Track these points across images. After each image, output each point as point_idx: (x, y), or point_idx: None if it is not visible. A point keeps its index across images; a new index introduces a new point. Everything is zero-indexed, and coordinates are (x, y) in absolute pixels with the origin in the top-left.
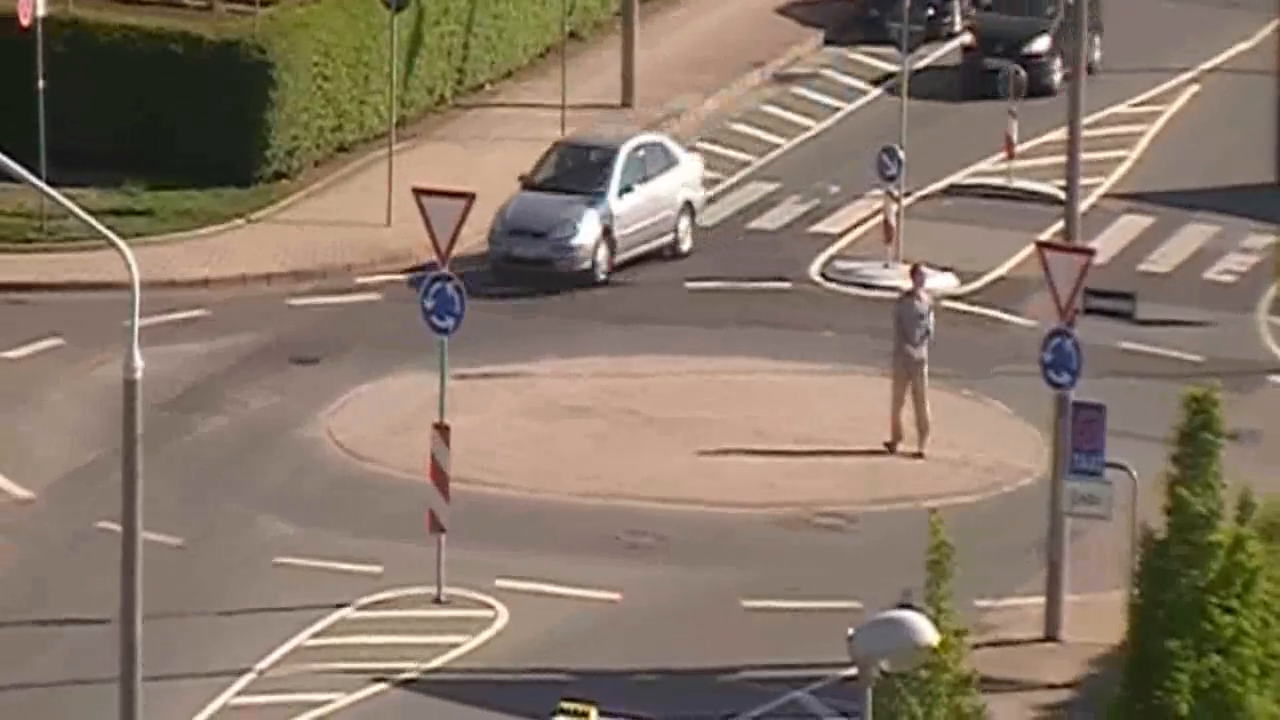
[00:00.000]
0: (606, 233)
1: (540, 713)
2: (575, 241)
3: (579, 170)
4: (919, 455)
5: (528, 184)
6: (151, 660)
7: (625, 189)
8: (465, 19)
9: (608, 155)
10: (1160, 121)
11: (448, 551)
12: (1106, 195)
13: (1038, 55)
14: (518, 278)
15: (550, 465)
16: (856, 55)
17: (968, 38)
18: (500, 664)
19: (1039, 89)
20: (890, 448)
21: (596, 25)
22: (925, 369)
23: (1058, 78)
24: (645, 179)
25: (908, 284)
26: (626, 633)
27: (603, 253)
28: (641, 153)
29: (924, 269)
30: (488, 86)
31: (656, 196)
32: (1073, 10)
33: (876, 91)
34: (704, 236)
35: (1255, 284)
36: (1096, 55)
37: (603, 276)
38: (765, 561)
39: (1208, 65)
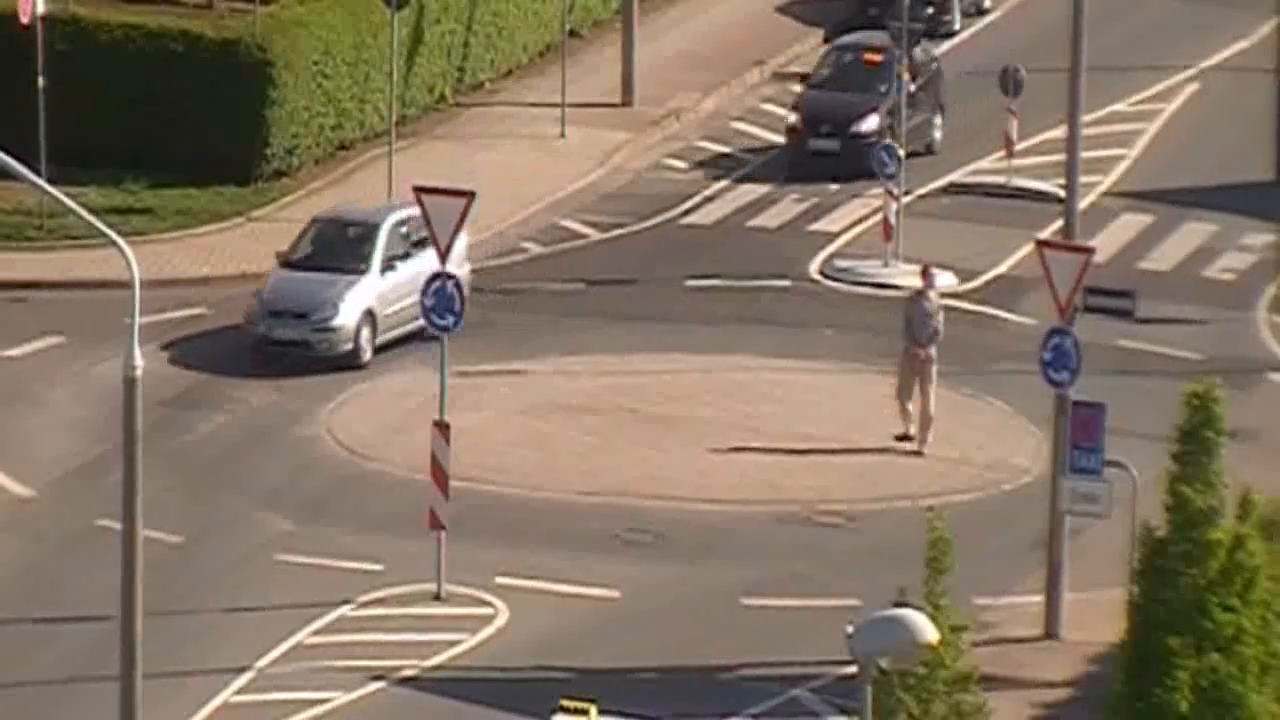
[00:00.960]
0: (369, 313)
1: (540, 710)
2: (336, 323)
3: (339, 247)
4: (918, 453)
5: (285, 262)
6: (151, 658)
7: (388, 266)
8: (465, 17)
9: (369, 231)
10: (1160, 120)
11: (448, 549)
12: (1106, 193)
13: (865, 136)
14: (278, 359)
15: (550, 463)
16: None
17: (793, 118)
18: (500, 662)
19: (866, 171)
20: (905, 439)
21: (596, 24)
22: (934, 368)
23: (886, 157)
24: (409, 254)
25: (919, 283)
26: (626, 630)
27: (366, 334)
28: (404, 228)
29: (934, 269)
30: (488, 85)
31: (422, 272)
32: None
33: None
34: (704, 234)
35: (1254, 282)
36: (937, 135)
37: (366, 358)
38: (765, 559)
39: (1207, 63)
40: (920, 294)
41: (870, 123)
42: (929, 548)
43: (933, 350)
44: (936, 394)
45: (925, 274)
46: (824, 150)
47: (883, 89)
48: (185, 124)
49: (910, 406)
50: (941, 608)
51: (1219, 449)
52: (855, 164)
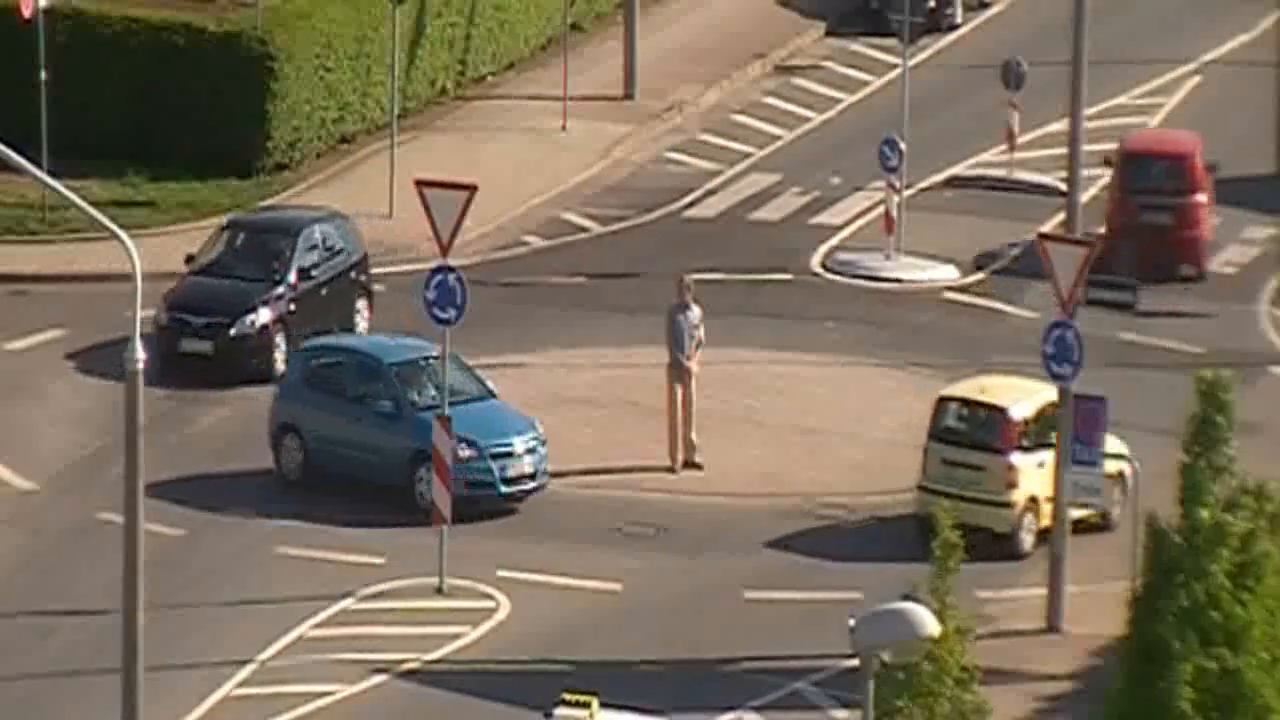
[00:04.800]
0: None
1: (542, 703)
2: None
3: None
4: (698, 465)
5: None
6: (153, 651)
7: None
8: (467, 10)
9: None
10: (1162, 113)
11: (449, 542)
12: (1108, 187)
13: (249, 337)
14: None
15: (551, 456)
16: (858, 47)
17: (163, 317)
18: (502, 655)
19: (250, 374)
20: (690, 465)
21: (598, 17)
22: (694, 380)
23: (278, 358)
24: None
25: (681, 295)
26: (628, 623)
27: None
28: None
29: (688, 278)
30: (489, 78)
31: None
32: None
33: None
34: (706, 227)
35: (1257, 275)
36: (363, 323)
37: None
38: (766, 552)
39: (1209, 57)
40: (682, 306)
41: (260, 316)
42: (937, 547)
43: (694, 363)
44: (937, 387)
45: (682, 284)
46: (196, 352)
47: (274, 269)
48: (187, 117)
49: (685, 429)
50: (947, 606)
51: (1229, 439)
52: (237, 367)
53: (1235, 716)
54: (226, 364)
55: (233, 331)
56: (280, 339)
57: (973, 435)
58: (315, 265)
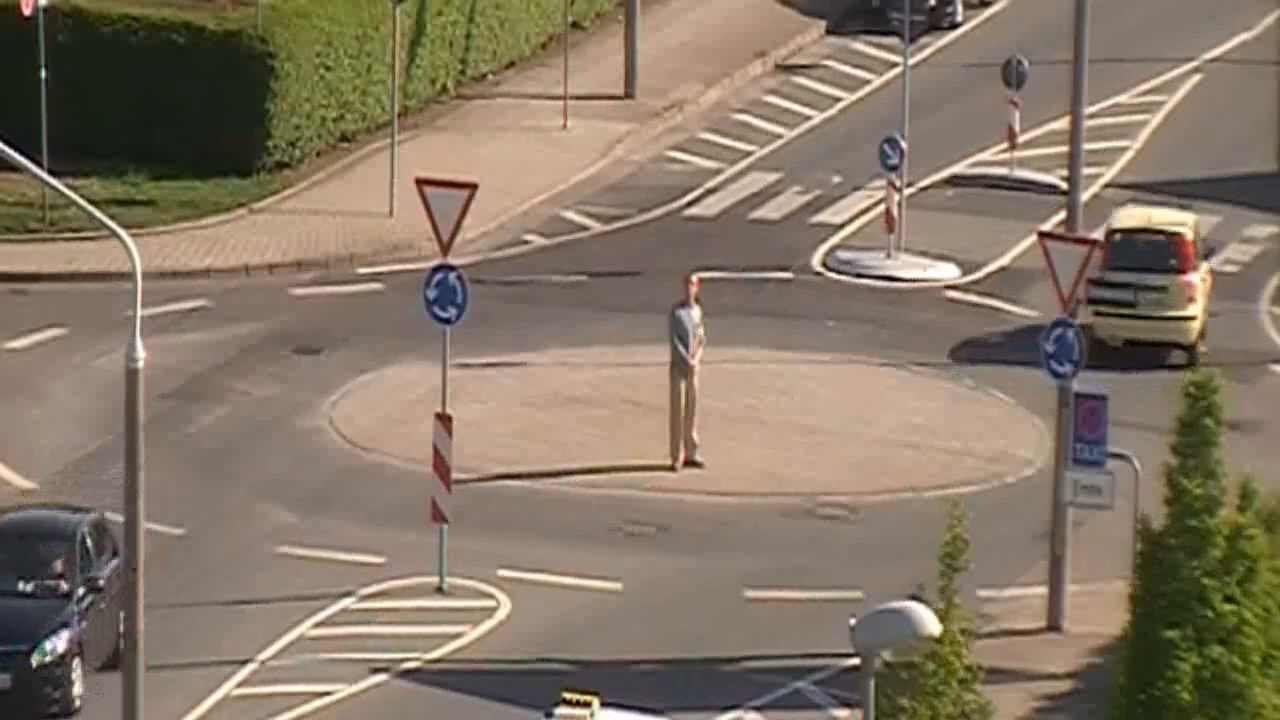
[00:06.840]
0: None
1: (542, 703)
2: None
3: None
4: (699, 464)
5: None
6: (154, 650)
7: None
8: (467, 9)
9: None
10: (1163, 111)
11: (450, 541)
12: (1109, 185)
13: (48, 667)
14: None
15: (552, 455)
16: (859, 45)
17: None
18: (502, 654)
19: (57, 707)
20: (691, 464)
21: (598, 15)
22: (696, 378)
23: (76, 689)
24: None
25: (687, 293)
26: (628, 623)
27: None
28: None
29: (695, 277)
30: (490, 77)
31: None
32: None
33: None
34: (707, 226)
35: (1257, 274)
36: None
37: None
38: (767, 551)
39: (1210, 54)
40: (683, 304)
41: (60, 641)
42: (946, 545)
43: (697, 359)
44: (939, 385)
45: (688, 283)
46: None
47: (55, 575)
48: (187, 116)
49: (691, 427)
50: (955, 606)
51: (1219, 439)
52: (38, 702)
53: (1230, 715)
54: (25, 699)
55: (34, 661)
56: (77, 666)
57: (1152, 259)
58: (98, 574)
